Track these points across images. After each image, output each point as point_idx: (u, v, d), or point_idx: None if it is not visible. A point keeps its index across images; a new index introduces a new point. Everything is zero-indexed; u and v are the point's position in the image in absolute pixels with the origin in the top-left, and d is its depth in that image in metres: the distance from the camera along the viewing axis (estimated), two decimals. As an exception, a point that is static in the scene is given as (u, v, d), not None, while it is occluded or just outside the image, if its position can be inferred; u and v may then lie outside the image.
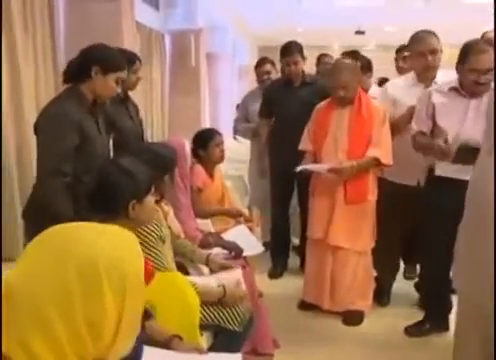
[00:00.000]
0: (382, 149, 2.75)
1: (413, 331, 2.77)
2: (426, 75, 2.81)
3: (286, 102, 3.42)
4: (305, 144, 2.98)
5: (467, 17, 7.46)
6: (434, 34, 2.79)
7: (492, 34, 2.81)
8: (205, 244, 2.42)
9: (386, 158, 2.75)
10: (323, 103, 2.95)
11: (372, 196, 2.85)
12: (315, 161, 2.91)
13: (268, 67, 3.97)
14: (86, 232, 0.85)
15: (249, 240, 2.68)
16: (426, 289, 2.88)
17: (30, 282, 0.79)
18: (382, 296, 3.15)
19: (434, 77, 2.79)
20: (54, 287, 0.78)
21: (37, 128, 1.99)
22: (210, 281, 1.98)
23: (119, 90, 2.09)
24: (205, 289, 1.87)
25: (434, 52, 2.73)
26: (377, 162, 2.76)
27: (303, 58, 3.41)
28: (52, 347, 0.78)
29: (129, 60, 2.57)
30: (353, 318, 2.90)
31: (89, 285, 0.79)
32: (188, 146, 2.40)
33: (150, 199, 1.59)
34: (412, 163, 2.74)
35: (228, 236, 2.60)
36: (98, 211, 1.43)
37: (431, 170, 2.58)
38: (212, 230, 2.70)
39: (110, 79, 2.01)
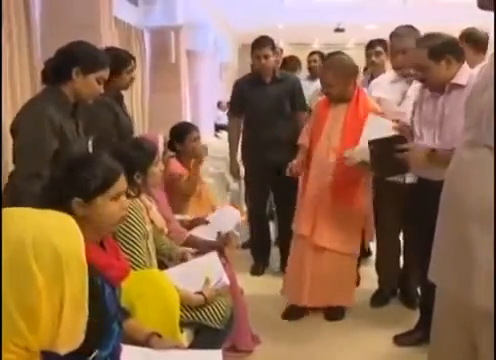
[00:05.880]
0: None
1: (403, 341, 2.63)
2: (401, 72, 2.82)
3: (257, 100, 3.37)
4: (303, 139, 2.92)
5: (446, 15, 7.56)
6: (412, 31, 2.75)
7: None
8: (191, 243, 2.41)
9: None
10: (323, 98, 2.91)
11: (362, 198, 2.78)
12: (308, 157, 2.85)
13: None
14: (17, 214, 0.82)
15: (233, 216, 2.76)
16: (422, 297, 2.72)
17: None
18: (380, 302, 3.10)
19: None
20: None
21: (16, 129, 1.92)
22: (190, 284, 1.96)
23: (102, 90, 2.04)
24: (185, 294, 1.86)
25: (406, 51, 2.70)
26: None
27: (275, 53, 3.35)
28: None
29: (124, 60, 2.57)
30: (334, 313, 2.91)
31: (17, 267, 0.75)
32: (161, 142, 2.37)
33: (106, 202, 1.43)
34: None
35: (214, 217, 2.68)
36: (49, 204, 1.26)
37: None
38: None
39: (91, 79, 1.97)
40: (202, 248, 2.39)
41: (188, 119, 5.58)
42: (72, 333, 0.82)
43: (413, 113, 2.46)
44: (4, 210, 0.83)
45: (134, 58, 2.71)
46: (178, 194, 2.82)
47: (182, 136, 2.90)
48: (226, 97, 10.12)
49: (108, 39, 3.25)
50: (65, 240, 0.80)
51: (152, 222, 2.03)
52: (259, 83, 3.40)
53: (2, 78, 2.48)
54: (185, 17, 5.31)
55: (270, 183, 3.49)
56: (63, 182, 1.42)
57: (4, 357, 0.75)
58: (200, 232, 2.57)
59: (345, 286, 2.89)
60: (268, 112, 3.31)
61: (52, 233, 0.79)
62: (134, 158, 1.95)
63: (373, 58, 3.51)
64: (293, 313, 2.92)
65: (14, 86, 2.66)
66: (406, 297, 3.09)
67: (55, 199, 1.36)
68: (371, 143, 2.31)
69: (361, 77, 3.82)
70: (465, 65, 2.23)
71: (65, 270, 0.78)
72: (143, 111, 4.91)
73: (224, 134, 7.63)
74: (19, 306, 0.75)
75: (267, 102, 3.34)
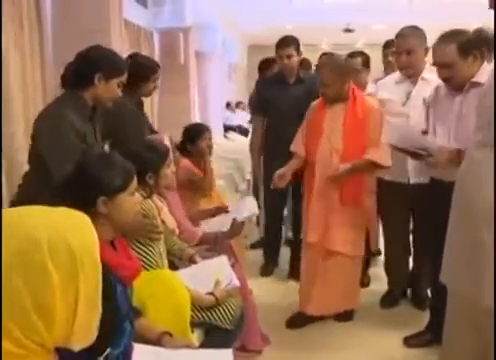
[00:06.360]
0: (380, 150, 2.58)
1: (413, 342, 2.62)
2: (405, 73, 2.79)
3: (279, 100, 3.33)
4: (296, 146, 2.83)
5: (451, 14, 7.52)
6: (416, 31, 2.72)
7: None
8: (204, 241, 2.42)
9: (385, 160, 2.59)
10: (316, 102, 2.82)
11: (368, 198, 2.74)
12: (303, 166, 2.80)
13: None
14: (23, 213, 0.82)
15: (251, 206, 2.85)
16: (432, 298, 2.71)
17: None
18: (390, 303, 3.08)
19: (419, 73, 2.75)
20: None
21: (38, 133, 1.93)
22: (200, 285, 1.97)
23: (120, 93, 2.07)
24: (196, 294, 1.87)
25: (410, 52, 2.68)
26: (374, 164, 2.61)
27: (298, 53, 3.31)
28: (6, 335, 0.75)
29: (152, 68, 2.60)
30: (344, 315, 2.90)
31: (32, 265, 0.75)
32: (168, 143, 2.39)
33: (125, 198, 1.51)
34: (401, 158, 2.57)
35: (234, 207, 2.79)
36: (65, 200, 1.23)
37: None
38: None
39: (113, 84, 2.00)
40: (213, 243, 2.43)
41: (197, 120, 5.60)
42: (86, 330, 0.83)
43: (427, 115, 2.44)
44: (5, 210, 0.83)
45: (160, 67, 2.73)
46: (190, 194, 2.83)
47: (195, 137, 2.91)
48: (235, 98, 10.18)
49: (118, 41, 3.26)
50: (80, 238, 0.80)
51: (163, 222, 2.05)
52: (282, 83, 3.36)
53: (14, 81, 2.50)
54: (194, 18, 5.33)
55: (289, 186, 3.36)
56: (89, 183, 1.47)
57: (18, 353, 0.76)
58: (218, 222, 2.60)
59: (352, 289, 2.86)
60: (289, 113, 3.23)
61: (67, 231, 0.79)
62: (147, 159, 1.97)
63: (390, 58, 3.50)
64: (298, 321, 2.85)
65: (26, 89, 2.69)
66: (416, 298, 3.08)
67: (80, 199, 1.38)
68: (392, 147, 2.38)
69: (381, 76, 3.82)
70: (486, 63, 2.17)
71: (80, 268, 0.78)
72: (152, 113, 4.93)
73: (233, 135, 7.65)
74: (35, 305, 0.75)
75: (288, 103, 3.28)
